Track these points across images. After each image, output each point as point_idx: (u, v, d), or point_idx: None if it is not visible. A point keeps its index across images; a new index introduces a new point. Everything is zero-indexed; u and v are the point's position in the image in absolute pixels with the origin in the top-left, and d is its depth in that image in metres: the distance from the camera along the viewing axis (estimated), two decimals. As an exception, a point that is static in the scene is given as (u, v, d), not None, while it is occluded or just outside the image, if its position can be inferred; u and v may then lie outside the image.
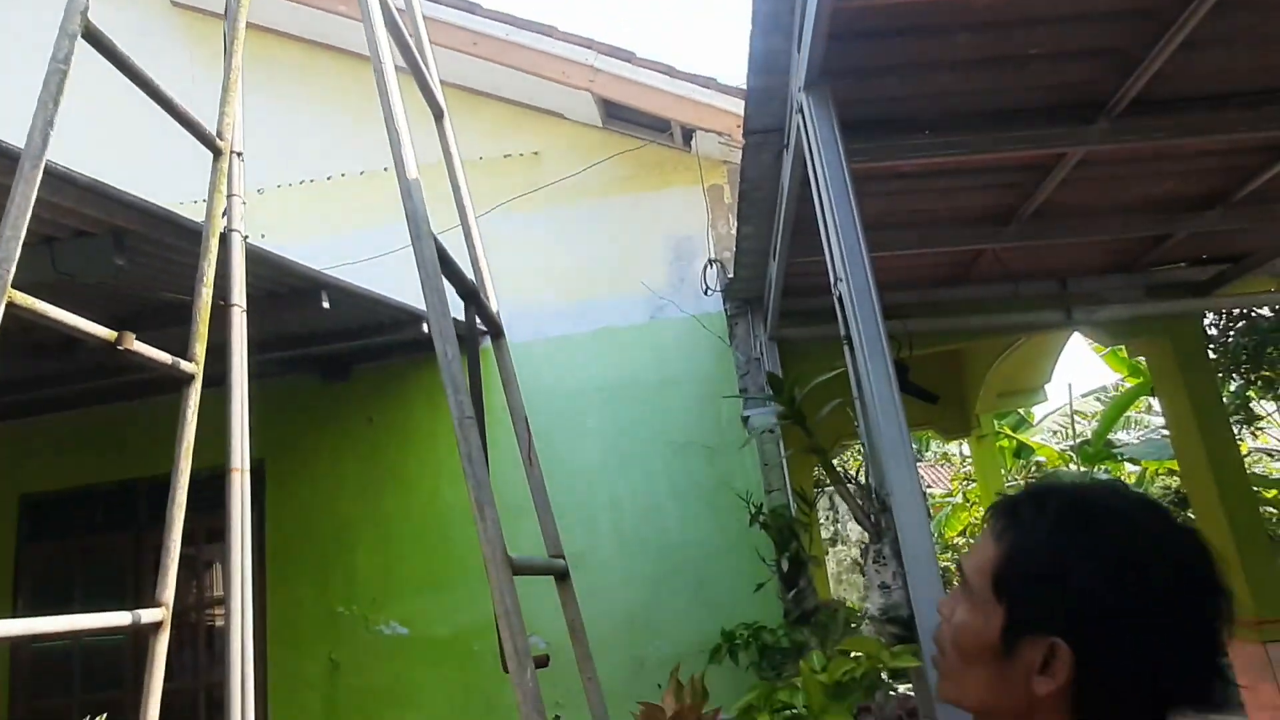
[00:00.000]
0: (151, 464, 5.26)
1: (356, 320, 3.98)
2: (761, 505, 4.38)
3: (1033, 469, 12.49)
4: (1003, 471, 10.72)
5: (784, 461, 4.60)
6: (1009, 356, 7.59)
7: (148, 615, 1.72)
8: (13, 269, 1.31)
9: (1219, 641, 0.75)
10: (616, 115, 5.53)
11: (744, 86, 5.04)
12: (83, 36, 1.47)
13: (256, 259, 2.20)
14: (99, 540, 5.36)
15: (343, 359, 5.10)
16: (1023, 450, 12.35)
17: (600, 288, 5.29)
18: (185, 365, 1.83)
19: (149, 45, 6.08)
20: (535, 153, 5.62)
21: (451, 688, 4.80)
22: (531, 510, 2.51)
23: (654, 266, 5.31)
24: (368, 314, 3.85)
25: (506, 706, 4.76)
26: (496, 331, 2.16)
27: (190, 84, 6.02)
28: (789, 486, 4.50)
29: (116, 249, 2.05)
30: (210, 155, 1.99)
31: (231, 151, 2.01)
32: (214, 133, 1.95)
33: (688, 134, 5.35)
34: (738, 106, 5.01)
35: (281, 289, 3.04)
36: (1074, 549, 0.76)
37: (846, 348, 2.23)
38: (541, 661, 1.46)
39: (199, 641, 5.28)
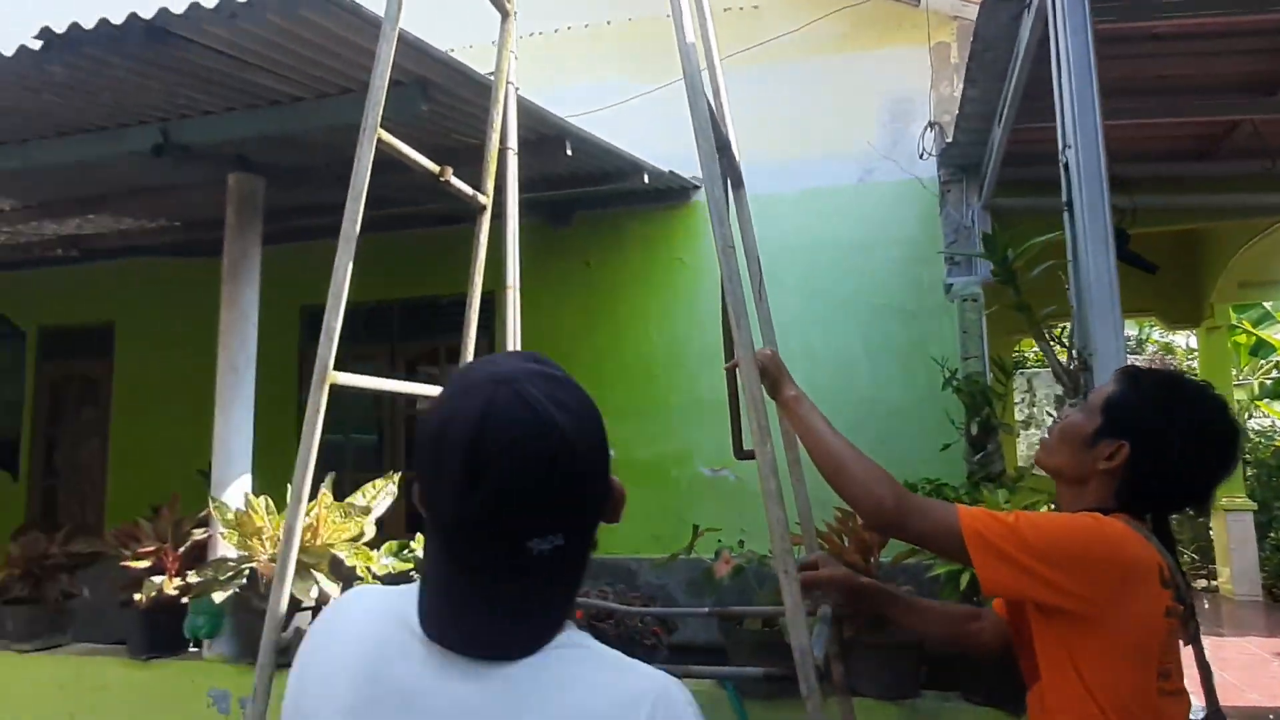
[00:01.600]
0: (402, 288, 6.09)
1: (585, 168, 4.33)
2: (956, 370, 4.49)
3: (1273, 369, 11.35)
4: (1234, 370, 9.83)
5: (984, 329, 4.63)
6: (1258, 243, 6.90)
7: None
8: (379, 112, 1.71)
9: (1216, 482, 1.30)
10: (841, -34, 5.37)
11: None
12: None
13: (521, 109, 2.55)
14: (361, 350, 6.32)
15: (567, 205, 5.55)
16: (1261, 347, 11.17)
17: (811, 148, 5.35)
18: (481, 197, 2.24)
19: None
20: (755, 6, 5.61)
21: (649, 506, 5.40)
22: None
23: (867, 128, 5.28)
24: (596, 163, 4.18)
25: (696, 523, 5.34)
26: (738, 181, 2.41)
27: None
28: (986, 355, 4.56)
29: (423, 97, 2.47)
30: (498, 16, 2.32)
31: (513, 12, 2.32)
32: (503, -4, 2.27)
33: (917, -15, 5.14)
34: (976, -44, 4.76)
35: (532, 136, 3.41)
36: (1156, 400, 1.31)
37: (1066, 214, 2.31)
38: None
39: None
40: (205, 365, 6.40)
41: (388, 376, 6.19)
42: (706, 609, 2.18)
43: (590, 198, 5.39)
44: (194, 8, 2.30)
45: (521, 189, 2.49)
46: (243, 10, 2.24)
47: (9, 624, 3.49)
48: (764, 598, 2.93)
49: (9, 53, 2.43)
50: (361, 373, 1.89)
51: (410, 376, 6.28)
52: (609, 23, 6.06)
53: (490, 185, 2.26)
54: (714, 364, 5.72)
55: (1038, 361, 13.41)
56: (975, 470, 4.33)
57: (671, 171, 5.00)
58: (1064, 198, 2.33)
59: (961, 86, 5.28)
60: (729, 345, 1.88)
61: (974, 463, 4.32)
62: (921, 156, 4.94)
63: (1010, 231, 4.60)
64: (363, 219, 1.75)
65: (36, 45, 2.37)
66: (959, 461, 4.56)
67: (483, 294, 6.49)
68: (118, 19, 2.38)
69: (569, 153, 3.45)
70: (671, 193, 5.37)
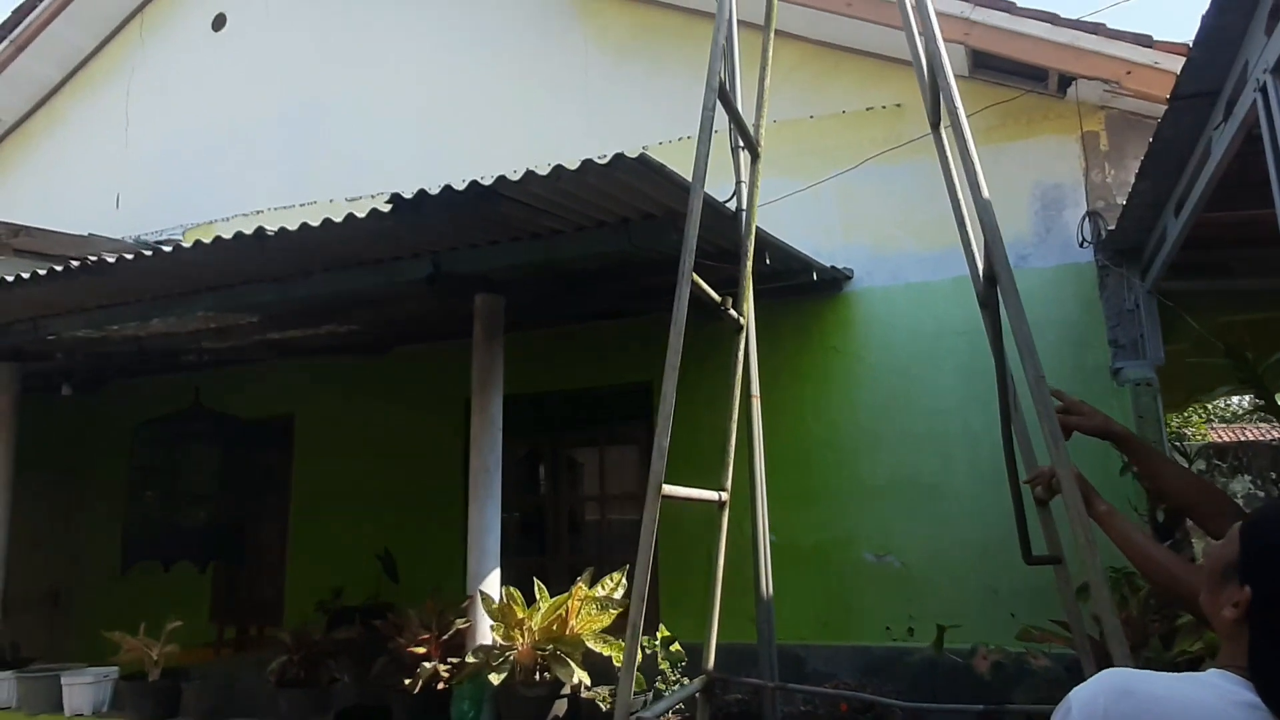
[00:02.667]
0: (563, 380, 6.42)
1: (760, 268, 4.59)
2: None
3: None
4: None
5: (1160, 414, 4.63)
6: None
7: (723, 494, 2.42)
8: (692, 259, 1.98)
9: None
10: (984, 64, 5.60)
11: (1133, 30, 4.93)
12: (718, 96, 2.09)
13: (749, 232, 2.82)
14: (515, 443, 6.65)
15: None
16: None
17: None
18: (741, 319, 2.49)
19: (550, 24, 7.10)
20: (898, 105, 5.88)
21: (814, 591, 5.46)
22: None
23: (1019, 216, 5.41)
24: (773, 264, 4.42)
25: (861, 609, 5.36)
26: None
27: (584, 58, 6.98)
28: (1165, 440, 4.54)
29: (673, 227, 2.76)
30: (748, 156, 2.61)
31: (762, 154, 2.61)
32: (756, 139, 2.56)
33: (1064, 81, 5.31)
34: (1127, 52, 4.93)
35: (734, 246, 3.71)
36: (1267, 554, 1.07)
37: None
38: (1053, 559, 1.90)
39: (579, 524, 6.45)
40: (379, 457, 6.89)
41: (549, 467, 6.52)
42: (981, 708, 2.28)
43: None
44: (529, 175, 2.68)
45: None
46: (568, 175, 2.59)
47: (283, 705, 3.82)
48: (1022, 695, 2.98)
49: (361, 214, 2.87)
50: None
51: (571, 469, 6.56)
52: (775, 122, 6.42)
53: (746, 308, 2.51)
54: (873, 449, 5.83)
55: (1172, 435, 12.92)
56: (1166, 557, 4.28)
57: (833, 266, 5.23)
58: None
59: (1112, 173, 5.41)
60: (1010, 460, 2.04)
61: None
62: (1081, 244, 5.03)
63: (1180, 320, 4.66)
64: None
65: (386, 208, 2.81)
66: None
67: (640, 384, 6.73)
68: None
69: (768, 261, 3.72)
70: (824, 284, 5.59)
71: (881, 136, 5.80)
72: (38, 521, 7.22)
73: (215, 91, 8.38)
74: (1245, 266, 4.62)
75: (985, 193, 2.05)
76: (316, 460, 7.09)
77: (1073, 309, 5.21)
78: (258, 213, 7.67)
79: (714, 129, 2.55)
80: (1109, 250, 4.98)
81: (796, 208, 5.70)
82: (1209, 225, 4.11)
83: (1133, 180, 4.19)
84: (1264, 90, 2.53)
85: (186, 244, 7.79)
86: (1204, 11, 2.73)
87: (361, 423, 6.92)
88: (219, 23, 8.60)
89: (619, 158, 2.39)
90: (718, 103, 2.22)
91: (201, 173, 8.17)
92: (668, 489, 1.92)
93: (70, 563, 7.84)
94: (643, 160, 2.34)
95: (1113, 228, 4.79)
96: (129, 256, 3.45)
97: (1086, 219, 4.99)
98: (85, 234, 7.31)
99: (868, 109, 5.94)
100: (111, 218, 8.32)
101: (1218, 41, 2.81)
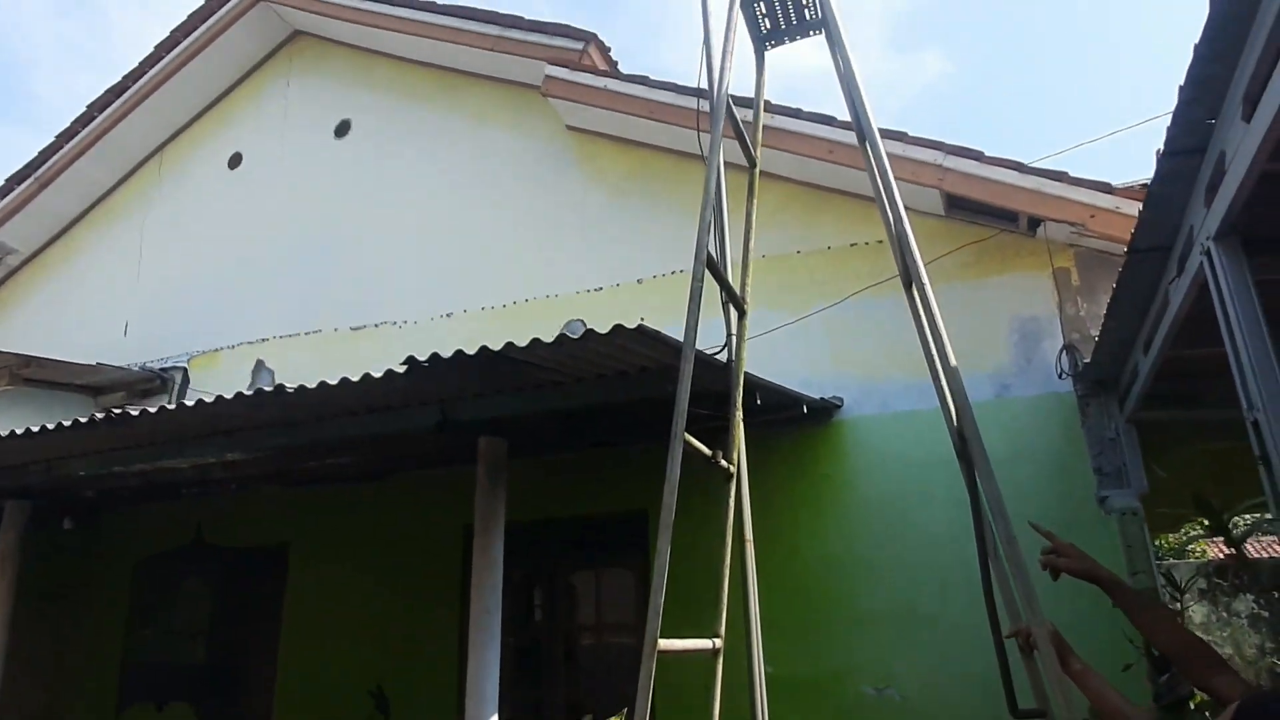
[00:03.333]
0: (557, 508, 6.47)
1: (750, 404, 4.77)
2: (1124, 585, 4.52)
3: None
4: None
5: (1147, 542, 4.69)
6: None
7: (717, 641, 2.49)
8: (684, 420, 2.12)
9: None
10: (959, 205, 5.95)
11: (1097, 178, 5.27)
12: (706, 267, 2.29)
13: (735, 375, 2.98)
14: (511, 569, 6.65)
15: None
16: None
17: (947, 367, 5.71)
18: (730, 466, 2.62)
19: (550, 165, 7.53)
20: (880, 241, 6.19)
21: (811, 725, 5.36)
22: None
23: (999, 347, 5.63)
24: (764, 400, 4.60)
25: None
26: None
27: (583, 197, 7.36)
28: (1154, 569, 4.60)
29: (667, 379, 2.93)
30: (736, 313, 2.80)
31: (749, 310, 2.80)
32: (742, 297, 2.76)
33: (1033, 222, 5.64)
34: (1088, 197, 5.27)
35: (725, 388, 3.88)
36: None
37: (1262, 468, 2.54)
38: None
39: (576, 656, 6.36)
40: (374, 585, 6.85)
41: (546, 594, 6.49)
42: None
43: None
44: (535, 342, 2.87)
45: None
46: (570, 342, 2.78)
47: None
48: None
49: (378, 374, 3.06)
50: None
51: (568, 595, 6.53)
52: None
53: (736, 455, 2.64)
54: (869, 578, 5.83)
55: (1171, 550, 12.83)
56: (1163, 694, 4.25)
57: (822, 397, 5.40)
58: (1256, 452, 2.57)
59: (1085, 306, 5.66)
60: (992, 611, 2.13)
61: (1160, 684, 4.25)
62: (1060, 376, 5.22)
63: (1160, 447, 4.79)
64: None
65: (401, 369, 2.99)
66: (1140, 683, 4.48)
67: (637, 511, 6.77)
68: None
69: (759, 401, 3.88)
70: (815, 413, 5.74)
71: (866, 271, 6.08)
72: (34, 648, 7.09)
73: (228, 225, 8.76)
74: (1216, 398, 4.79)
75: (953, 360, 2.22)
76: (310, 589, 7.04)
77: (1056, 437, 5.35)
78: (263, 340, 7.89)
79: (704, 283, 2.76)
80: (1087, 381, 5.17)
81: (787, 339, 5.92)
82: (1178, 360, 4.31)
83: (1104, 314, 4.41)
84: (1209, 254, 2.76)
85: (193, 370, 7.95)
86: (1150, 179, 2.99)
87: (356, 549, 6.91)
88: (235, 161, 9.08)
89: (618, 328, 2.58)
90: (705, 271, 2.43)
91: (209, 302, 8.44)
92: (664, 644, 2.00)
93: (65, 691, 7.64)
94: (640, 329, 2.53)
95: (1089, 360, 4.99)
96: (151, 410, 3.60)
97: (1064, 352, 5.20)
98: (94, 363, 7.49)
99: (852, 245, 6.25)
100: (120, 345, 8.54)
101: (1164, 206, 3.06)
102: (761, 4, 3.19)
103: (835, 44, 3.11)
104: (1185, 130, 2.53)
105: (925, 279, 2.44)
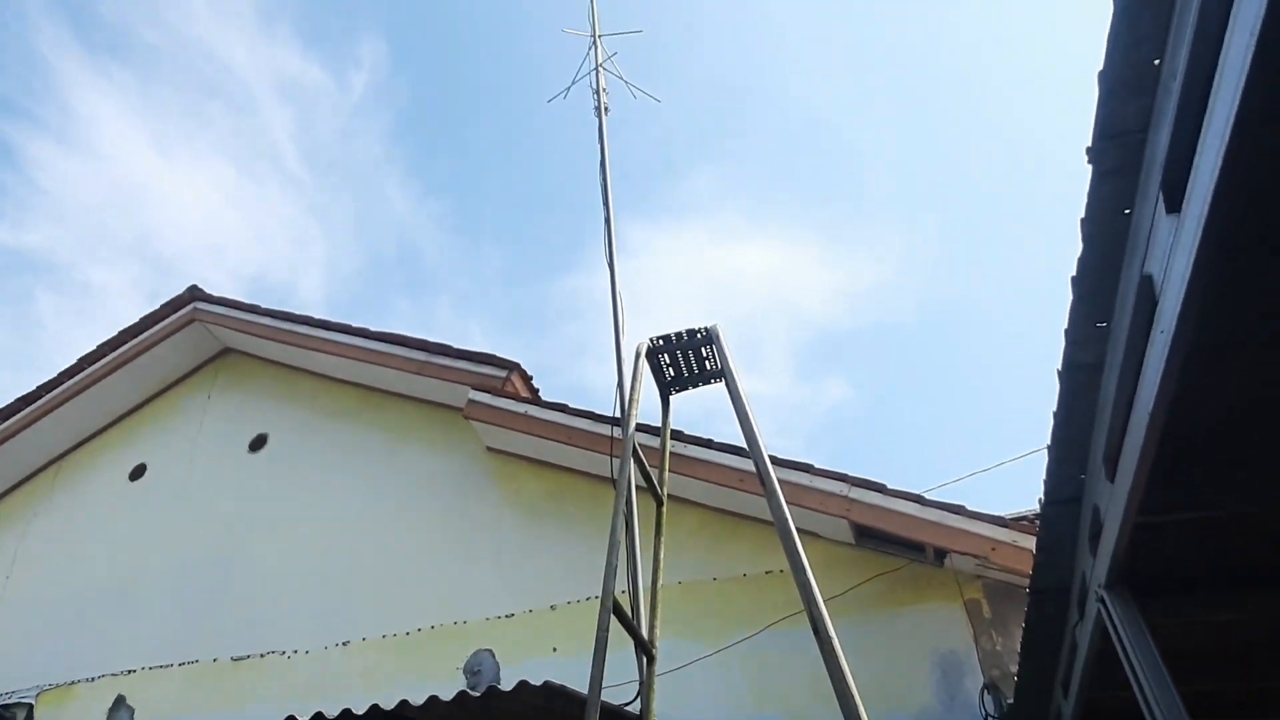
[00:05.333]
0: None
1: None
2: None
3: None
4: None
5: None
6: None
7: None
8: None
9: None
10: (867, 535, 6.09)
11: (995, 513, 5.49)
12: (614, 615, 2.21)
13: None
14: None
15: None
16: None
17: (874, 703, 5.44)
18: None
19: (468, 484, 7.53)
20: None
21: None
22: None
23: (922, 685, 5.45)
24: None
25: None
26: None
27: (498, 518, 7.29)
28: None
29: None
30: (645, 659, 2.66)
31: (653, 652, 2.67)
32: (650, 641, 2.64)
33: (939, 553, 5.77)
34: (987, 530, 5.47)
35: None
36: None
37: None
38: None
39: None
40: None
41: None
42: None
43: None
44: (432, 700, 2.66)
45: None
46: (472, 700, 2.59)
47: None
48: None
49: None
50: None
51: None
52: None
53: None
54: None
55: None
56: None
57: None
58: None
59: (1000, 640, 5.63)
60: None
61: None
62: (985, 719, 5.03)
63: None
64: None
65: None
66: None
67: None
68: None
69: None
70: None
71: (782, 600, 5.98)
72: None
73: (117, 540, 8.27)
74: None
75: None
76: None
77: (992, 782, 5.02)
78: (129, 672, 7.10)
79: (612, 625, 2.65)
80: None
81: (705, 675, 5.64)
82: (1098, 701, 4.21)
83: (1019, 651, 4.36)
84: (1103, 601, 2.82)
85: (40, 708, 7.00)
86: (1038, 524, 3.14)
87: None
88: (138, 472, 8.80)
89: (522, 684, 2.43)
90: (612, 619, 2.34)
91: (73, 625, 7.67)
92: None
93: None
94: (546, 686, 2.38)
95: (1012, 700, 4.84)
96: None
97: (985, 691, 5.06)
98: (-79, 698, 6.55)
99: (767, 572, 6.22)
100: (-38, 676, 7.55)
101: (1056, 550, 3.18)
102: (665, 356, 3.47)
103: (734, 395, 3.35)
104: (1060, 484, 2.71)
105: (831, 629, 2.39)
